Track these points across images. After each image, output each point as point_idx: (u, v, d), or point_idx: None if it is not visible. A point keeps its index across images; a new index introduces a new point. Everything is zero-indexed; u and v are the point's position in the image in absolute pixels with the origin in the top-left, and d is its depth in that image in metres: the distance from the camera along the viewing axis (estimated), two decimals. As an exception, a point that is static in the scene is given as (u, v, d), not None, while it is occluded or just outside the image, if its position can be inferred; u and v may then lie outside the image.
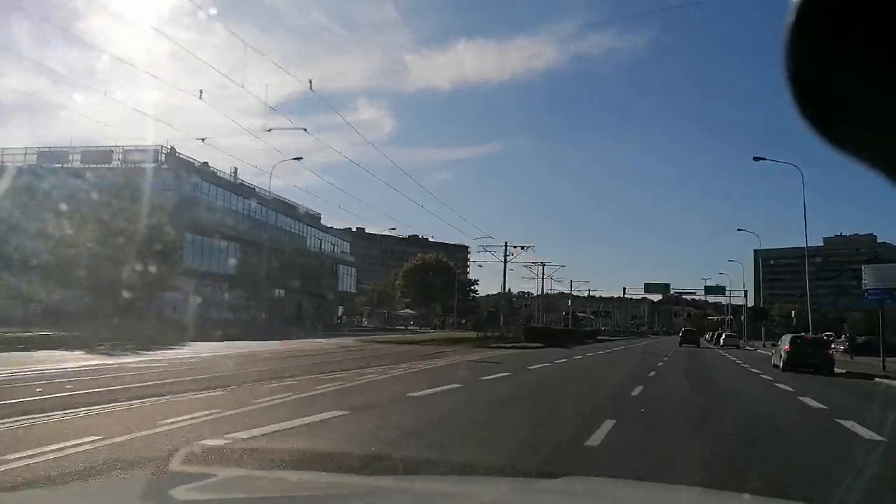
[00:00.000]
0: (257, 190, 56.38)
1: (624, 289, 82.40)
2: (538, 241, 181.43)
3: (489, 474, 5.18)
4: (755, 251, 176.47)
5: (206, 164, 51.38)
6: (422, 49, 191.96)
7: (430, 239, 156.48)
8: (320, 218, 70.64)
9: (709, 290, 75.80)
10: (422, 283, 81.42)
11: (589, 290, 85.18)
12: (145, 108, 57.57)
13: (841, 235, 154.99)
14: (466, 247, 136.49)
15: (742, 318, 74.10)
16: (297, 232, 63.23)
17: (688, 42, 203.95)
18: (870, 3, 0.77)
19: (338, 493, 2.54)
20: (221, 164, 60.90)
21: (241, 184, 54.42)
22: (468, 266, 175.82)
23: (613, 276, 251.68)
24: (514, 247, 52.08)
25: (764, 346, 54.58)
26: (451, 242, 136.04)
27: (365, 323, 76.91)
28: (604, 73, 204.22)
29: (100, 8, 58.60)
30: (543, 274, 65.49)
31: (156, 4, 61.26)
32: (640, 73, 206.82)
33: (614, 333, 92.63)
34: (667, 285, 78.84)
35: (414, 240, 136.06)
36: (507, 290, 73.60)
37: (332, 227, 71.64)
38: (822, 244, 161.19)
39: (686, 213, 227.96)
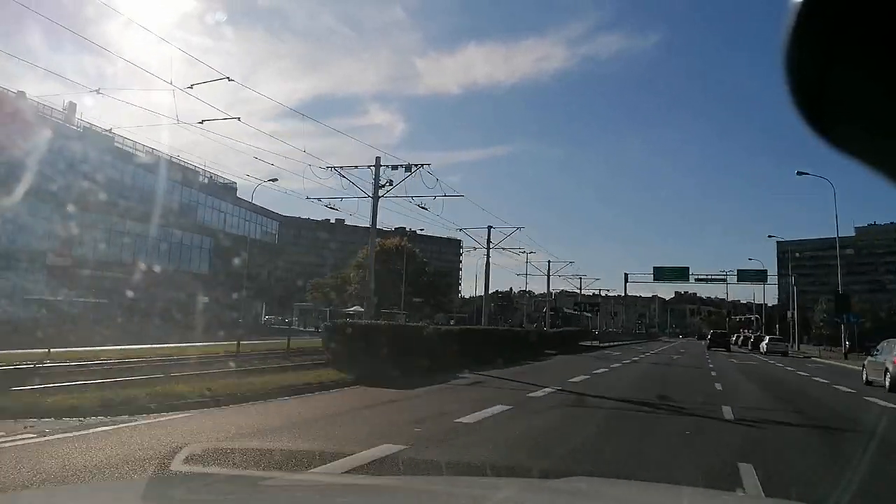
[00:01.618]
0: (117, 138, 40.47)
1: (626, 276, 65.04)
2: (548, 239, 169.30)
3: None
4: (778, 243, 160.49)
5: (21, 93, 35.64)
6: (431, 52, 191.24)
7: (420, 232, 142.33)
8: (236, 189, 54.75)
9: (744, 276, 58.93)
10: (378, 275, 64.87)
11: (580, 278, 62.35)
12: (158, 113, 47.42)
13: (875, 224, 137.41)
14: (459, 241, 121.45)
15: (790, 314, 57.06)
16: (187, 202, 47.23)
17: (696, 43, 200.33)
18: (869, 4, 0.75)
19: (341, 491, 2.48)
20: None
21: (91, 129, 38.37)
22: (460, 262, 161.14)
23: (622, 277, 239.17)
24: (395, 167, 23.43)
25: (846, 356, 37.83)
26: (443, 236, 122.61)
27: (295, 323, 60.80)
28: (612, 74, 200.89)
29: (111, 14, 54.43)
30: (489, 238, 40.18)
31: (168, 11, 59.79)
32: (648, 74, 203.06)
33: (613, 336, 70.40)
34: (684, 269, 61.03)
35: (400, 232, 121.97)
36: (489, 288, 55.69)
37: (253, 203, 55.45)
38: (853, 234, 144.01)
39: (697, 213, 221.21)
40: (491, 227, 39.29)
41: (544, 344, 33.73)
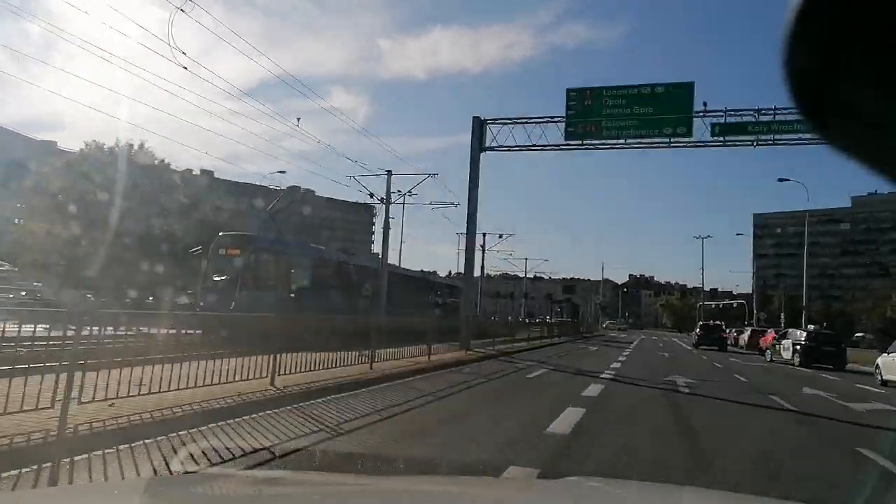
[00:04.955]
0: None
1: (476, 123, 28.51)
2: (519, 233, 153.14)
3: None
4: (754, 215, 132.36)
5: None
6: (397, 35, 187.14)
7: (318, 194, 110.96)
8: None
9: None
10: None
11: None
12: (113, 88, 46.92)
13: (875, 194, 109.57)
14: (372, 207, 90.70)
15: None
16: None
17: (664, 33, 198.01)
18: (870, 3, 0.74)
19: (336, 492, 2.47)
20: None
21: None
22: (372, 233, 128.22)
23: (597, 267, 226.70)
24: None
25: None
26: (352, 200, 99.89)
27: None
28: (580, 63, 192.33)
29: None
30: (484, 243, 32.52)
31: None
32: (615, 63, 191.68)
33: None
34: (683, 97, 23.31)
35: (295, 192, 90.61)
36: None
37: None
38: (849, 205, 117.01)
39: (667, 202, 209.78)
40: (486, 233, 28.86)
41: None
